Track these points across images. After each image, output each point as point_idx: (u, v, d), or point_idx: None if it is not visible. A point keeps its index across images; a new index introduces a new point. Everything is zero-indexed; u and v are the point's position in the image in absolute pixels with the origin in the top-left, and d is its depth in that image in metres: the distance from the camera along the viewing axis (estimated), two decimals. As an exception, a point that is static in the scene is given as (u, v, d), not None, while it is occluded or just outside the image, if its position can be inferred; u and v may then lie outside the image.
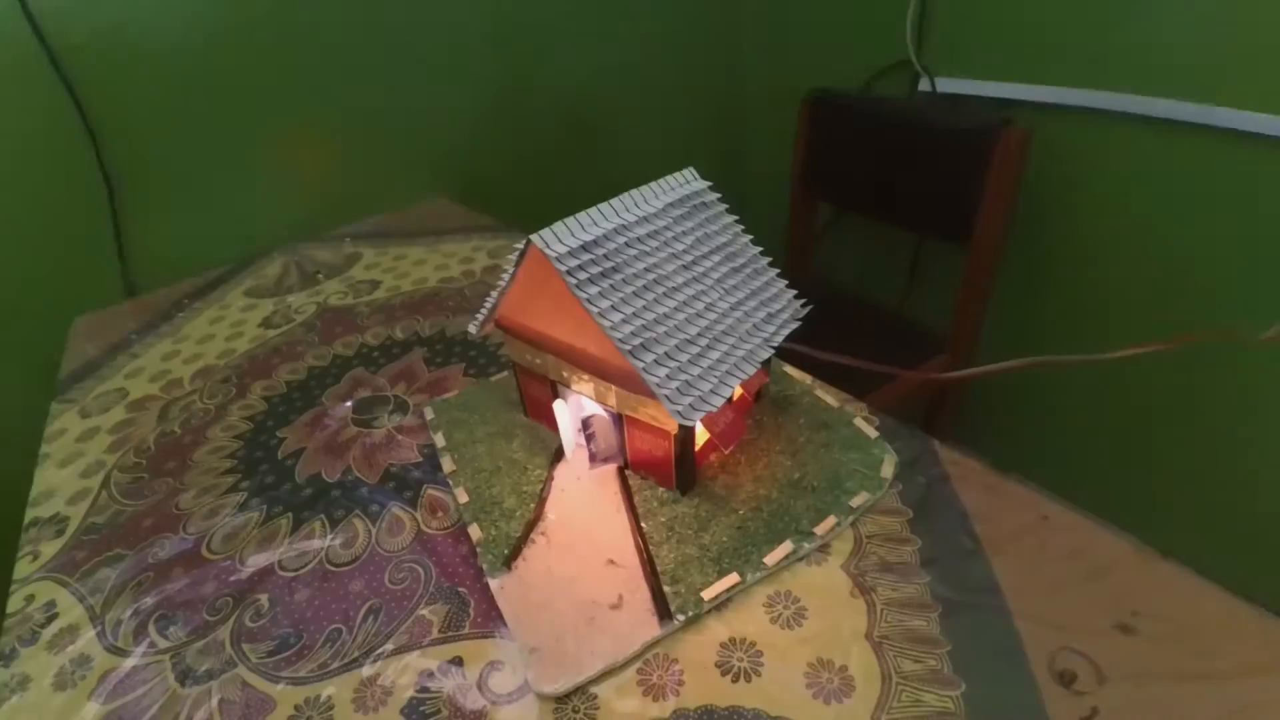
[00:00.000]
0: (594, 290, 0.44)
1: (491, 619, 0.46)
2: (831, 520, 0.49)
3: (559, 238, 0.45)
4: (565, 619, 0.44)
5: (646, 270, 0.47)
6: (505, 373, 0.68)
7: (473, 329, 0.56)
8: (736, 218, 0.56)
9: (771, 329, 0.52)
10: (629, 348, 0.43)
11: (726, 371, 0.47)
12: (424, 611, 0.48)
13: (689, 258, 0.50)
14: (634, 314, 0.45)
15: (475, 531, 0.51)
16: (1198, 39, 0.93)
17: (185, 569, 0.55)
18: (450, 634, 0.46)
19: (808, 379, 0.63)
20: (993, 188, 1.02)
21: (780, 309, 0.54)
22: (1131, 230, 1.06)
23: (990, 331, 1.10)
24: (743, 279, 0.53)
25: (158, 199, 1.00)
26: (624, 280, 0.46)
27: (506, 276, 0.50)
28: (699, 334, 0.47)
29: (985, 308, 1.09)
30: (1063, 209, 1.12)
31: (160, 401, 0.75)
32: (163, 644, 0.49)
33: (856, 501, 0.50)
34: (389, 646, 0.46)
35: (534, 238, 0.44)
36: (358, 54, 1.07)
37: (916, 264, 1.26)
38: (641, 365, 0.43)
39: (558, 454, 0.56)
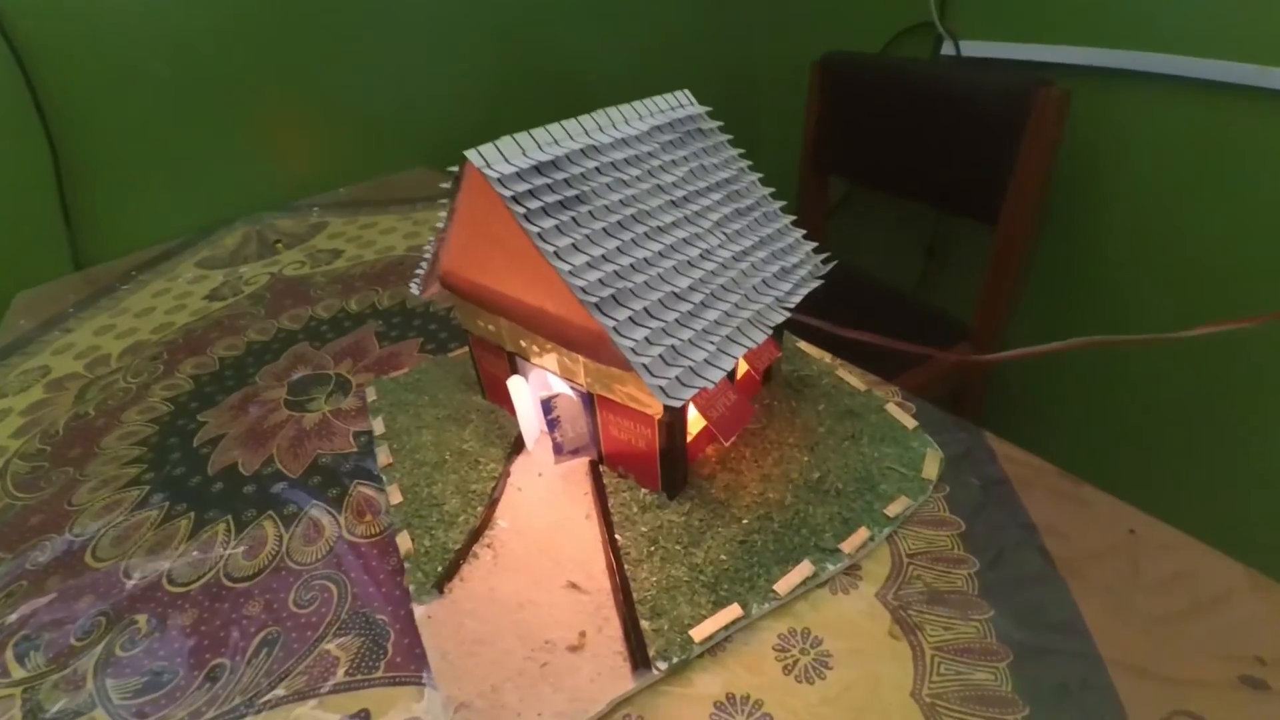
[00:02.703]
0: (549, 224, 0.32)
1: (415, 658, 0.34)
2: (862, 533, 0.36)
3: (505, 156, 0.33)
4: (508, 663, 0.32)
5: (622, 203, 0.35)
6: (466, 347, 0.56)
7: (414, 289, 0.44)
8: (742, 151, 0.43)
9: (786, 287, 0.39)
10: (594, 299, 0.31)
11: (727, 337, 0.34)
12: (330, 645, 0.35)
13: (680, 193, 0.38)
14: (603, 257, 0.32)
15: (405, 541, 0.38)
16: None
17: (63, 578, 0.43)
18: (359, 677, 0.34)
19: (827, 357, 0.51)
20: (1028, 156, 0.88)
21: (796, 263, 0.41)
22: (1178, 203, 0.92)
23: (1017, 317, 0.97)
24: (749, 224, 0.40)
25: (111, 168, 0.88)
26: (591, 214, 0.33)
27: (444, 216, 0.37)
28: (691, 288, 0.35)
29: (1014, 291, 0.96)
30: (1100, 181, 0.98)
31: (82, 380, 0.63)
32: (18, 673, 0.38)
33: (893, 509, 0.38)
34: (279, 692, 0.34)
35: (471, 154, 0.32)
36: (336, 19, 0.95)
37: (935, 244, 1.13)
38: (611, 324, 0.30)
39: (517, 445, 0.44)
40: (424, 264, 0.42)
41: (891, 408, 0.45)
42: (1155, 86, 0.92)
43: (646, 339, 0.31)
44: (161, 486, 0.48)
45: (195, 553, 0.42)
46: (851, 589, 0.35)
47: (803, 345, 0.52)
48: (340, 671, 0.34)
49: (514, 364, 0.43)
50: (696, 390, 0.31)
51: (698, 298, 0.34)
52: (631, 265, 0.33)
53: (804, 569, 0.34)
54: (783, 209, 0.43)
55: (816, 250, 0.43)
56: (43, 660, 0.38)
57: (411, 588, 0.36)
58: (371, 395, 0.51)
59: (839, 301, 0.59)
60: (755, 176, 0.43)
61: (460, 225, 0.37)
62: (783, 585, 0.34)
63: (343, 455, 0.47)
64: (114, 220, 0.90)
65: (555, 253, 0.31)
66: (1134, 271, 0.97)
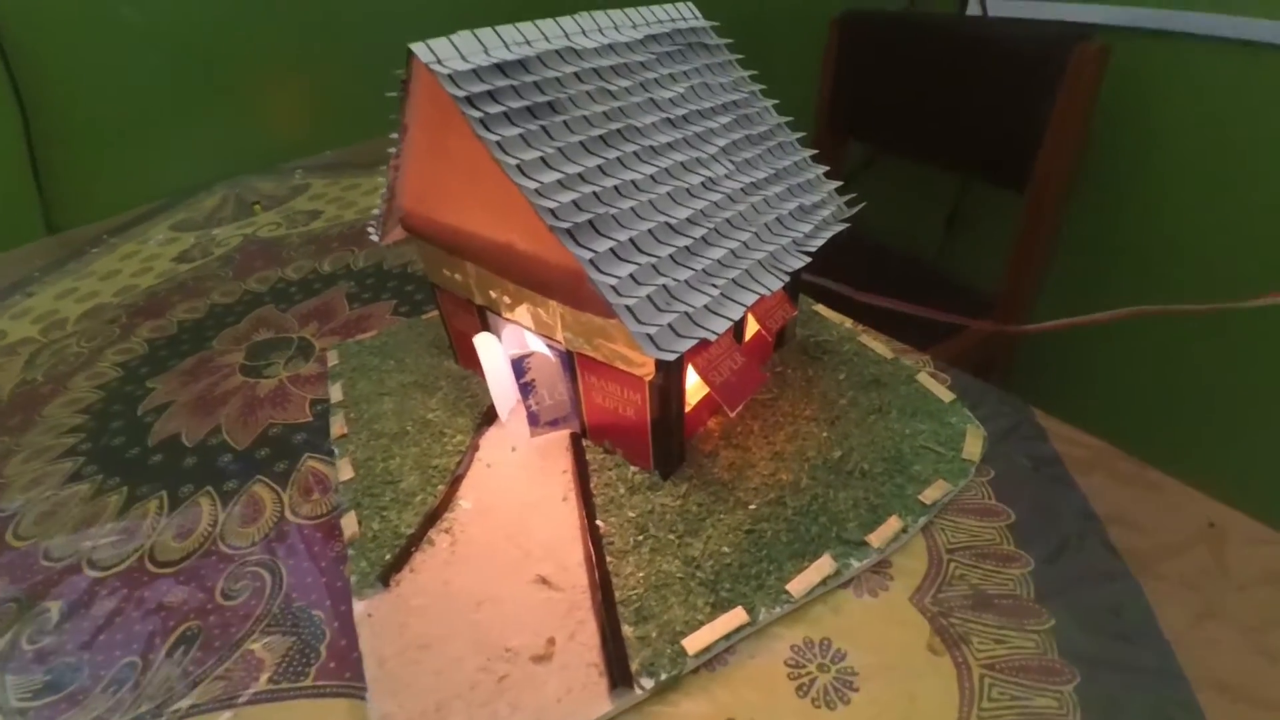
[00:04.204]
0: (511, 133, 0.25)
1: (351, 664, 0.28)
2: (893, 523, 0.30)
3: (461, 52, 0.26)
4: (457, 675, 0.25)
5: (606, 117, 0.28)
6: (445, 311, 0.49)
7: (372, 234, 0.37)
8: (755, 73, 0.36)
9: (805, 228, 0.32)
10: (566, 225, 0.24)
11: (733, 281, 0.27)
12: (256, 645, 0.29)
13: (679, 111, 0.31)
14: (579, 176, 0.25)
15: (350, 524, 0.32)
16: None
17: (-20, 559, 0.37)
18: (284, 685, 0.28)
19: (848, 322, 0.44)
20: (1062, 116, 0.80)
21: (817, 202, 0.34)
22: (1222, 168, 0.83)
23: (1045, 291, 0.89)
24: (763, 154, 0.33)
25: (85, 129, 0.82)
26: (566, 125, 0.26)
27: (395, 138, 0.30)
28: (690, 220, 0.28)
29: (1043, 261, 0.88)
30: (1137, 145, 0.89)
31: (34, 346, 0.57)
32: (-85, 670, 0.32)
33: (930, 494, 0.31)
34: (188, 701, 0.28)
35: (417, 48, 0.25)
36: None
37: (957, 213, 1.05)
38: (588, 256, 0.24)
39: (489, 415, 0.37)
40: (381, 203, 0.35)
41: (924, 378, 0.38)
42: (1196, 46, 0.83)
43: (632, 277, 0.24)
44: (96, 458, 0.42)
45: (122, 532, 0.36)
46: (881, 591, 0.28)
47: (820, 309, 0.45)
48: (263, 678, 0.28)
49: (486, 321, 0.36)
50: (694, 343, 0.25)
51: (698, 232, 0.27)
52: (616, 188, 0.26)
53: (823, 565, 0.28)
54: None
55: (839, 191, 0.36)
56: (-58, 653, 0.32)
57: (353, 579, 0.29)
58: (333, 359, 0.45)
59: (855, 272, 0.52)
60: (769, 103, 0.36)
61: (414, 149, 0.30)
62: (797, 585, 0.27)
63: (296, 426, 0.41)
64: (90, 184, 0.84)
65: (519, 167, 0.24)
66: (1173, 240, 0.88)
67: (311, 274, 0.59)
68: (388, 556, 0.30)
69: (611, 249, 0.24)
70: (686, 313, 0.25)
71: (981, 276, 0.91)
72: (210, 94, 0.87)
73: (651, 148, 0.28)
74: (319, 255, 0.62)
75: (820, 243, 0.32)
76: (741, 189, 0.30)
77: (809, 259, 0.31)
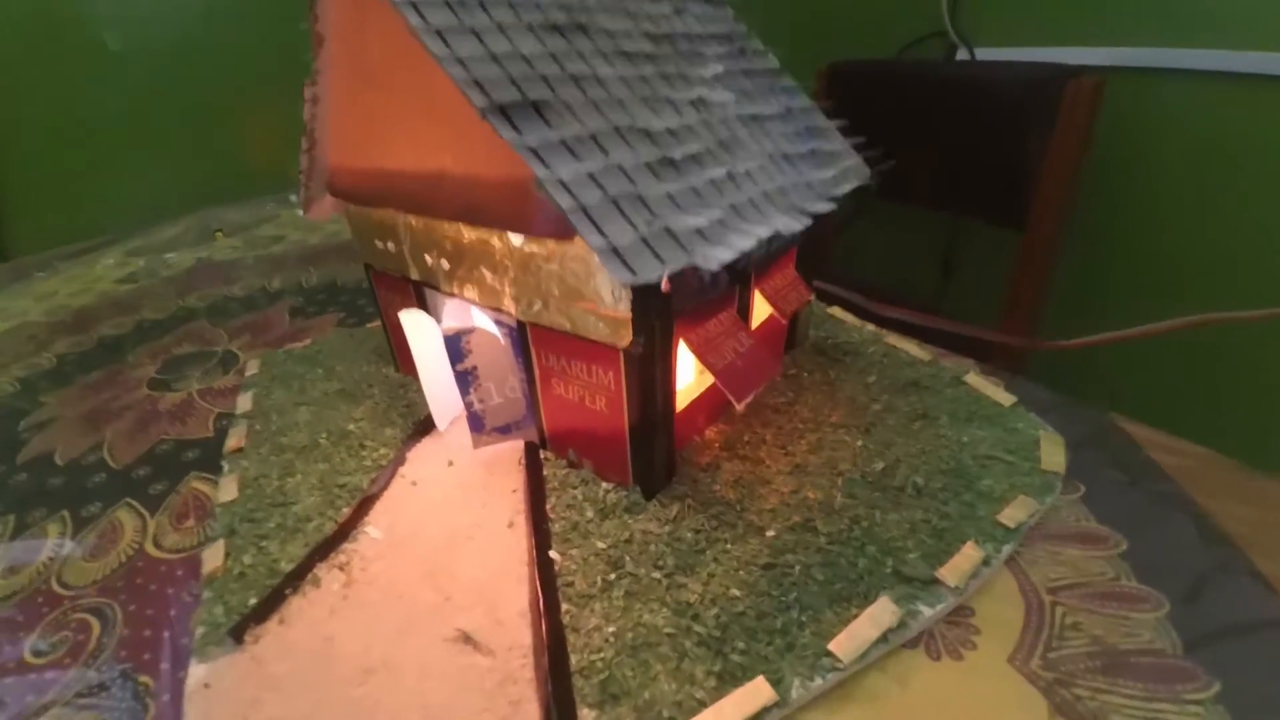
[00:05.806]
0: (440, 14, 0.18)
1: (172, 767, 0.18)
2: (970, 553, 0.20)
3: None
4: (319, 789, 0.16)
5: (565, 9, 0.21)
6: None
7: (295, 201, 0.30)
8: (754, 35, 0.30)
9: (825, 174, 0.25)
10: (498, 102, 0.16)
11: (733, 208, 0.20)
12: (50, 732, 0.19)
13: (661, 29, 0.24)
14: (521, 57, 0.18)
15: (214, 557, 0.23)
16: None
17: None
18: (66, 805, 0.18)
19: (869, 326, 0.36)
20: (1057, 154, 0.76)
21: (835, 151, 0.27)
22: (1222, 206, 0.78)
23: (1045, 325, 0.82)
24: (765, 89, 0.26)
25: (45, 161, 0.77)
26: (511, 8, 0.20)
27: (311, 63, 0.24)
28: (671, 133, 0.20)
29: (1040, 301, 0.81)
30: (1134, 184, 0.85)
31: (-63, 368, 0.49)
32: None
33: (1011, 515, 0.22)
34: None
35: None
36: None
37: (951, 256, 0.99)
38: (528, 143, 0.16)
39: (426, 424, 0.29)
40: (303, 157, 0.28)
41: (974, 379, 0.30)
42: (1187, 82, 0.81)
43: (591, 176, 0.17)
44: (-54, 483, 0.33)
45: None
46: (965, 649, 0.19)
47: (836, 312, 0.37)
48: (43, 786, 0.18)
49: (424, 303, 0.28)
50: (679, 268, 0.16)
51: (691, 148, 0.20)
52: (573, 78, 0.19)
53: (880, 613, 0.18)
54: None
55: (858, 163, 0.29)
56: None
57: (198, 631, 0.20)
58: (252, 369, 0.36)
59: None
60: (768, 49, 0.29)
61: (334, 71, 0.23)
62: (844, 643, 0.18)
63: (191, 442, 0.32)
64: (49, 215, 0.79)
65: (439, 34, 0.17)
66: (1170, 272, 0.82)
67: (258, 291, 0.51)
68: (251, 602, 0.20)
69: (562, 140, 0.17)
70: (668, 229, 0.17)
71: (979, 320, 0.85)
72: (183, 126, 0.83)
73: (623, 52, 0.21)
74: (270, 274, 0.54)
75: (846, 189, 0.24)
76: (740, 119, 0.23)
77: (834, 205, 0.23)
